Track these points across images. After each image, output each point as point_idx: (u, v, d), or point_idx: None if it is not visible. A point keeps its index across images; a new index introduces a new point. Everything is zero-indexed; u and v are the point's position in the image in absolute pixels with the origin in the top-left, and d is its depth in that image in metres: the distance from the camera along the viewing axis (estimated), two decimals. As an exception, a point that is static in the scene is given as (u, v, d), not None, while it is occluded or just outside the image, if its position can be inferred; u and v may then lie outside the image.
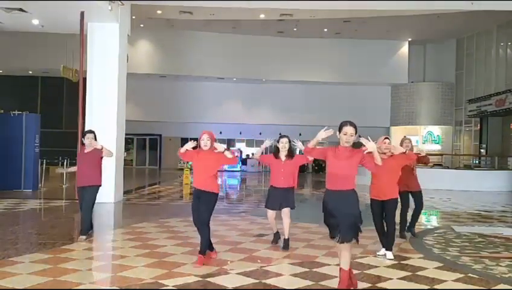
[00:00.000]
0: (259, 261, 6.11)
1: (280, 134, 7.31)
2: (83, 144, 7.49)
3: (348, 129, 4.81)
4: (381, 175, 6.27)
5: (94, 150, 7.39)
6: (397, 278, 5.38)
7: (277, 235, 7.17)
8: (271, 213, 7.00)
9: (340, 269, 4.79)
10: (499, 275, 5.66)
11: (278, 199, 6.88)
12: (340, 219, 4.67)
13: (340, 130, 4.85)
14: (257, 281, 5.20)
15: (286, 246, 6.82)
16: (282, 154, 6.96)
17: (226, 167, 27.73)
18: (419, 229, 8.60)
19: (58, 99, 27.88)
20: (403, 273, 5.58)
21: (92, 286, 5.02)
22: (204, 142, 5.95)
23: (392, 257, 6.33)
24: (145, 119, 27.78)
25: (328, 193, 4.83)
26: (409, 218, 7.86)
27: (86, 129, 7.71)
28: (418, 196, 7.87)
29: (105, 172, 12.07)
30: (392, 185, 6.49)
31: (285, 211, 6.87)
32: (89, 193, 7.32)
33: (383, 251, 6.55)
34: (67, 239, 7.34)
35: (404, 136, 8.04)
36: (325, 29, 24.72)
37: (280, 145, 6.96)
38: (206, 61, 25.97)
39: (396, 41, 27.14)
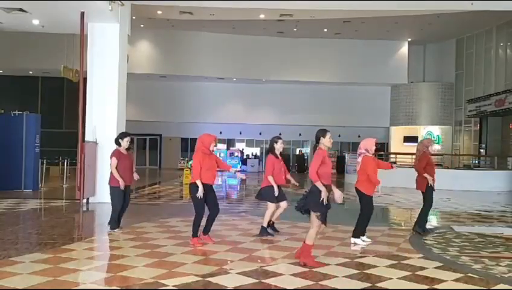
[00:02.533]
0: (259, 261, 6.12)
1: (278, 136, 7.90)
2: (119, 145, 7.90)
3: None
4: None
5: (130, 153, 8.00)
6: (397, 278, 5.38)
7: (265, 230, 7.60)
8: (274, 206, 7.64)
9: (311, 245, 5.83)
10: (499, 275, 5.66)
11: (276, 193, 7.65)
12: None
13: (324, 135, 5.93)
14: (257, 281, 5.20)
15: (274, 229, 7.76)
16: (278, 153, 7.73)
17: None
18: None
19: (58, 99, 27.89)
20: (403, 273, 5.58)
21: (92, 286, 5.02)
22: (214, 145, 6.98)
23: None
24: (145, 119, 27.77)
25: (325, 186, 5.79)
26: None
27: (123, 131, 8.36)
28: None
29: (106, 172, 12.06)
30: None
31: (285, 204, 7.64)
32: (129, 191, 8.03)
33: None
34: (67, 239, 7.35)
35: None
36: (325, 30, 24.72)
37: (279, 146, 7.69)
38: (206, 61, 25.98)
39: (396, 42, 27.14)
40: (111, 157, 7.80)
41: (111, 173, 7.77)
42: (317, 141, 5.97)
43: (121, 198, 7.82)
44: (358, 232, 7.23)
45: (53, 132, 25.05)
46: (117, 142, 7.95)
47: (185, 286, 4.97)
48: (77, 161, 11.29)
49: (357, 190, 7.22)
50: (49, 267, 5.55)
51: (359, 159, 7.16)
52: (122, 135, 8.00)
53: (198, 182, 6.70)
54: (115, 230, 7.84)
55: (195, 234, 6.91)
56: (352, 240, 7.22)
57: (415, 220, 8.39)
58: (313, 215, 5.77)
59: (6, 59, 23.70)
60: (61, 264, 5.70)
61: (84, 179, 10.80)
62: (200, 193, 6.68)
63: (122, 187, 7.68)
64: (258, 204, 12.29)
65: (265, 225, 7.68)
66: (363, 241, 7.21)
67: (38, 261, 5.82)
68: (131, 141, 8.07)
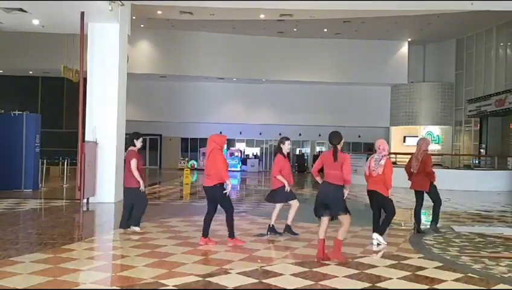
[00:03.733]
0: (259, 261, 6.11)
1: (286, 137, 7.91)
2: (134, 145, 7.83)
3: None
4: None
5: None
6: (397, 278, 5.38)
7: (273, 228, 7.72)
8: (281, 206, 7.82)
9: (324, 240, 6.06)
10: (499, 275, 5.66)
11: (285, 194, 7.69)
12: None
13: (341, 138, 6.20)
14: (257, 281, 5.20)
15: (292, 231, 7.71)
16: (286, 154, 7.78)
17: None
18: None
19: (58, 99, 27.91)
20: (403, 273, 5.58)
21: (92, 286, 5.02)
22: None
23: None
24: (145, 119, 27.78)
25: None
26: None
27: (136, 132, 8.13)
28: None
29: (106, 172, 12.04)
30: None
31: (296, 203, 7.74)
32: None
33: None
34: (67, 239, 7.35)
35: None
36: (325, 30, 24.74)
37: (287, 147, 7.78)
38: (206, 61, 25.99)
39: (396, 42, 27.16)
40: (130, 159, 7.72)
41: (126, 174, 7.77)
42: (338, 142, 6.21)
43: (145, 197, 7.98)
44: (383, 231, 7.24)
45: (53, 132, 25.06)
46: (131, 142, 7.87)
47: (185, 286, 4.97)
48: (77, 161, 11.28)
49: (376, 192, 7.11)
50: (49, 267, 5.55)
51: (382, 162, 7.05)
52: (136, 136, 7.87)
53: (230, 181, 6.80)
54: (133, 228, 7.88)
55: (233, 235, 6.92)
56: (375, 236, 7.20)
57: (414, 221, 8.41)
58: (343, 216, 6.10)
59: (6, 59, 23.72)
60: (61, 264, 5.69)
61: (84, 179, 10.79)
62: (228, 189, 6.75)
63: (142, 189, 7.73)
64: (258, 204, 12.29)
65: (272, 223, 7.75)
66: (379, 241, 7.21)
67: (38, 261, 5.81)
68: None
